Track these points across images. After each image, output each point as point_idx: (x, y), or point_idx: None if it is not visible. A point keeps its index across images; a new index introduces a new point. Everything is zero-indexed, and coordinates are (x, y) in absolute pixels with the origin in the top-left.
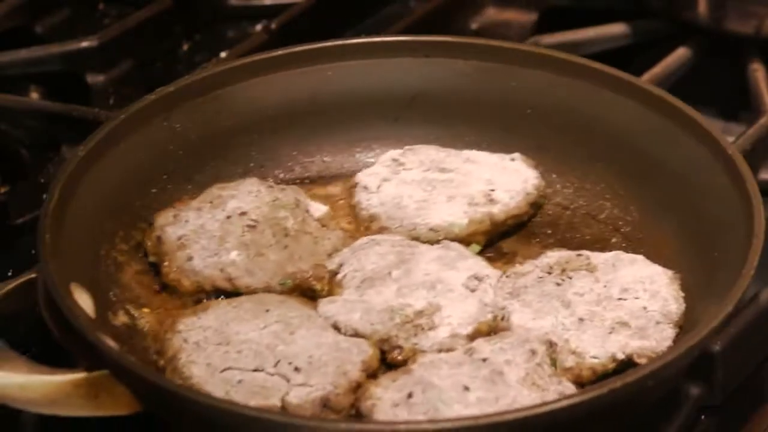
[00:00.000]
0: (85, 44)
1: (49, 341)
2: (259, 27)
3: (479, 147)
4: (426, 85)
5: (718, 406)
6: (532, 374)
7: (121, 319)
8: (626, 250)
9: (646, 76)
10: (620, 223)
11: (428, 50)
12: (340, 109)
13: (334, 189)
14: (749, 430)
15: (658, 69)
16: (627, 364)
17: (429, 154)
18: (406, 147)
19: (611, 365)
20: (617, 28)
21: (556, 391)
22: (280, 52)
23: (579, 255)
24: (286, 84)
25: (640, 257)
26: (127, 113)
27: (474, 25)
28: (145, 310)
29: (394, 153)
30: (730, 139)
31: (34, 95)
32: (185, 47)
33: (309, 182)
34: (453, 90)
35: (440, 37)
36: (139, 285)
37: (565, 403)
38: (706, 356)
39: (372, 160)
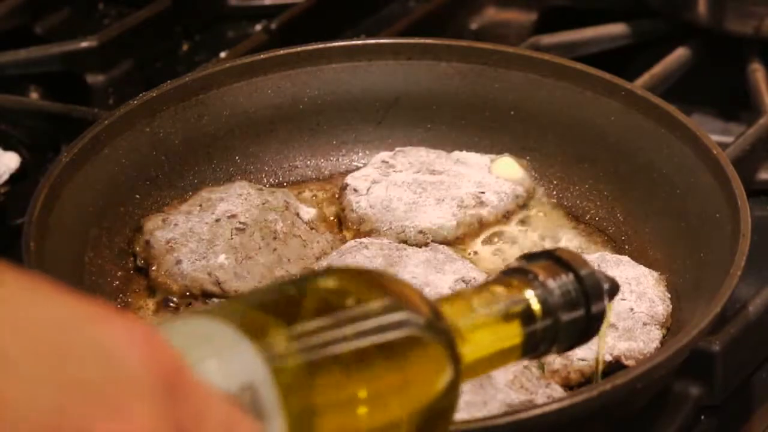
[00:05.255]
0: (85, 44)
1: None
2: (259, 27)
3: (463, 149)
4: (409, 88)
5: (718, 406)
6: (520, 377)
7: None
8: (611, 251)
9: (646, 76)
10: (605, 224)
11: (411, 52)
12: (322, 112)
13: (319, 192)
14: (749, 430)
15: (658, 69)
16: (615, 366)
17: (419, 155)
18: (397, 149)
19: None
20: (617, 28)
21: (545, 394)
22: (262, 56)
23: None
24: (269, 88)
25: (625, 258)
26: (111, 119)
27: (474, 25)
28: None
29: (384, 155)
30: (730, 139)
31: (34, 95)
32: (185, 47)
33: (293, 186)
34: (436, 92)
35: (423, 39)
36: (124, 292)
37: (555, 406)
38: (706, 356)
39: (356, 163)
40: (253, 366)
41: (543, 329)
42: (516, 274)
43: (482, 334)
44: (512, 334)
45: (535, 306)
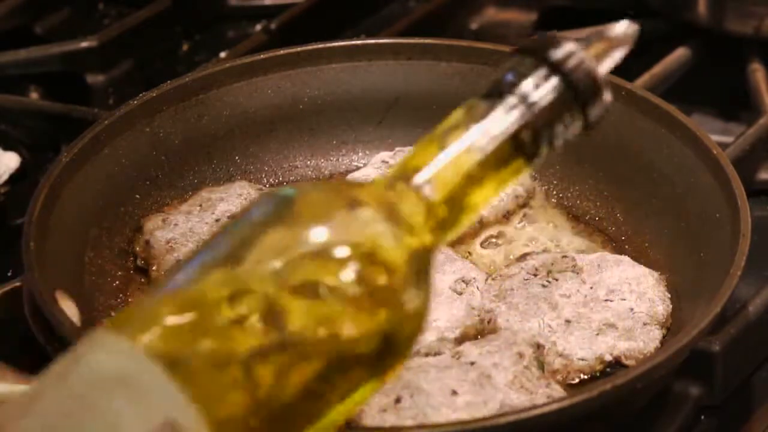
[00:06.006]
0: (85, 44)
1: (36, 350)
2: (259, 27)
3: None
4: (409, 88)
5: (718, 406)
6: (520, 377)
7: None
8: (611, 251)
9: (646, 76)
10: (605, 224)
11: (411, 52)
12: (323, 112)
13: None
14: (749, 430)
15: (658, 69)
16: (614, 366)
17: None
18: (397, 149)
19: (599, 367)
20: None
21: (545, 394)
22: (262, 56)
23: (564, 256)
24: (269, 88)
25: (625, 258)
26: (111, 119)
27: (473, 25)
28: None
29: (384, 155)
30: (730, 139)
31: (34, 95)
32: (185, 47)
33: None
34: (436, 92)
35: (423, 39)
36: (124, 291)
37: (555, 406)
38: (706, 356)
39: (356, 163)
40: (170, 399)
41: (536, 140)
42: (494, 91)
43: (476, 172)
44: (509, 159)
45: (520, 128)
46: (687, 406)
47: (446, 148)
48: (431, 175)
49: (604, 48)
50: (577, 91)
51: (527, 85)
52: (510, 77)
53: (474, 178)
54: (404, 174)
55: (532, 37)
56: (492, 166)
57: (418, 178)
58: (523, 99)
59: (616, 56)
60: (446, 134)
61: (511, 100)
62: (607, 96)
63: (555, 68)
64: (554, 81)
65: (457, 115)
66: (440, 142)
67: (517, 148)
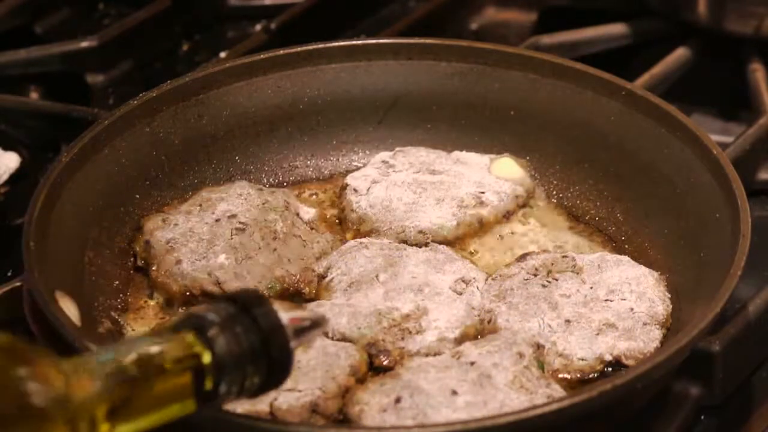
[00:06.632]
0: (85, 44)
1: None
2: (259, 27)
3: (463, 149)
4: (409, 88)
5: (718, 406)
6: (520, 377)
7: (107, 326)
8: (611, 251)
9: (646, 76)
10: (605, 224)
11: (411, 52)
12: (322, 112)
13: (319, 192)
14: (749, 430)
15: (658, 69)
16: (614, 366)
17: (419, 155)
18: (397, 149)
19: (599, 367)
20: (617, 28)
21: (545, 394)
22: (261, 56)
23: (564, 256)
24: (269, 88)
25: (625, 258)
26: (111, 119)
27: (473, 25)
28: (131, 316)
29: (384, 155)
30: (730, 139)
31: (34, 95)
32: (185, 47)
33: (293, 186)
34: (436, 92)
35: (423, 39)
36: (124, 291)
37: (555, 406)
38: (706, 356)
39: (356, 163)
40: None
41: (218, 380)
42: (190, 325)
43: (149, 393)
44: (183, 388)
45: (206, 360)
46: (687, 406)
47: (129, 359)
48: (103, 376)
49: (299, 321)
50: (266, 350)
51: (221, 329)
52: (210, 317)
53: (145, 398)
54: (82, 365)
55: (243, 291)
56: (163, 393)
57: (91, 376)
58: (213, 341)
59: (310, 333)
60: (133, 346)
61: (208, 333)
62: (290, 367)
63: (252, 324)
64: (246, 335)
65: (158, 333)
66: (127, 353)
67: (196, 386)
